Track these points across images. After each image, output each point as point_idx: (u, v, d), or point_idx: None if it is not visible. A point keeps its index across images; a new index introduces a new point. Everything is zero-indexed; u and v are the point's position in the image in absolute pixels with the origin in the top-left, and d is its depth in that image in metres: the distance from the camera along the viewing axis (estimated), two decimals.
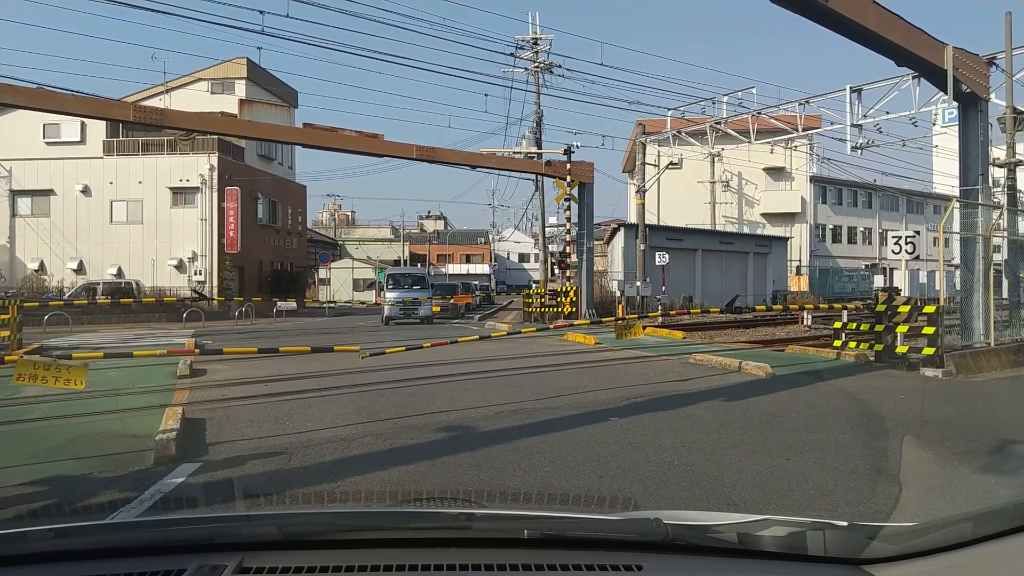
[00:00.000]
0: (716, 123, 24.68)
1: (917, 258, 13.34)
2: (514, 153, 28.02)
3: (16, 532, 1.76)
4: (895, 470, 5.20)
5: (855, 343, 12.56)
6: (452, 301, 30.16)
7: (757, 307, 17.88)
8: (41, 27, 55.36)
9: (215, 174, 31.36)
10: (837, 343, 13.00)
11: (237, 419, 7.25)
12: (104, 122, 28.45)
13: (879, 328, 12.02)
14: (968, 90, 13.01)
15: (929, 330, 11.15)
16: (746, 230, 43.01)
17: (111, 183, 31.84)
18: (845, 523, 1.66)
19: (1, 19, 60.20)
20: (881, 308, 12.04)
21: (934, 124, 24.17)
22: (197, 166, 31.30)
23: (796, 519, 1.72)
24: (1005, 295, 14.57)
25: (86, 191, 31.86)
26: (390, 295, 25.74)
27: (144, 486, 4.87)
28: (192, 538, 1.72)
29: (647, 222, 27.38)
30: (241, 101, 33.47)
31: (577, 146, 25.74)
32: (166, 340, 17.73)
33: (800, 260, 42.99)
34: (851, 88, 19.45)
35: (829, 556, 1.54)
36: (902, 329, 11.79)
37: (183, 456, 5.67)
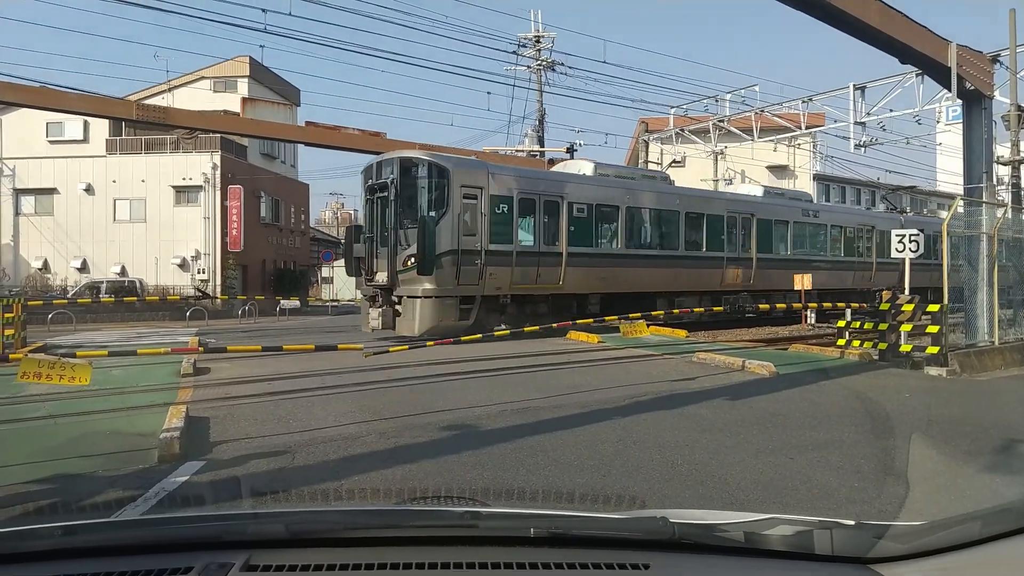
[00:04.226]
0: (719, 121, 24.67)
1: (921, 256, 13.26)
2: (517, 151, 28.00)
3: (24, 529, 1.76)
4: (900, 469, 5.19)
5: (859, 341, 12.54)
6: None
7: (760, 305, 17.86)
8: (44, 26, 55.55)
9: (218, 172, 31.38)
10: (841, 341, 12.98)
11: (241, 417, 7.26)
12: (107, 120, 28.49)
13: (883, 327, 12.00)
14: (972, 88, 12.98)
15: (933, 329, 11.13)
16: None
17: (114, 182, 31.88)
18: (852, 522, 1.66)
19: (5, 18, 60.32)
20: (885, 307, 12.01)
21: (938, 122, 24.10)
22: (200, 164, 31.33)
23: (803, 518, 1.72)
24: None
25: (89, 189, 31.90)
26: None
27: (148, 484, 4.87)
28: (199, 536, 1.73)
29: None
30: (244, 99, 33.57)
31: (580, 144, 25.90)
32: (170, 338, 17.75)
33: None
34: (855, 86, 19.43)
35: (837, 555, 1.54)
36: (906, 328, 11.77)
37: (187, 454, 5.67)
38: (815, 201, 31.67)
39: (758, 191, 22.02)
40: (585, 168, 18.24)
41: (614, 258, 17.54)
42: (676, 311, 15.01)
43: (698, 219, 19.24)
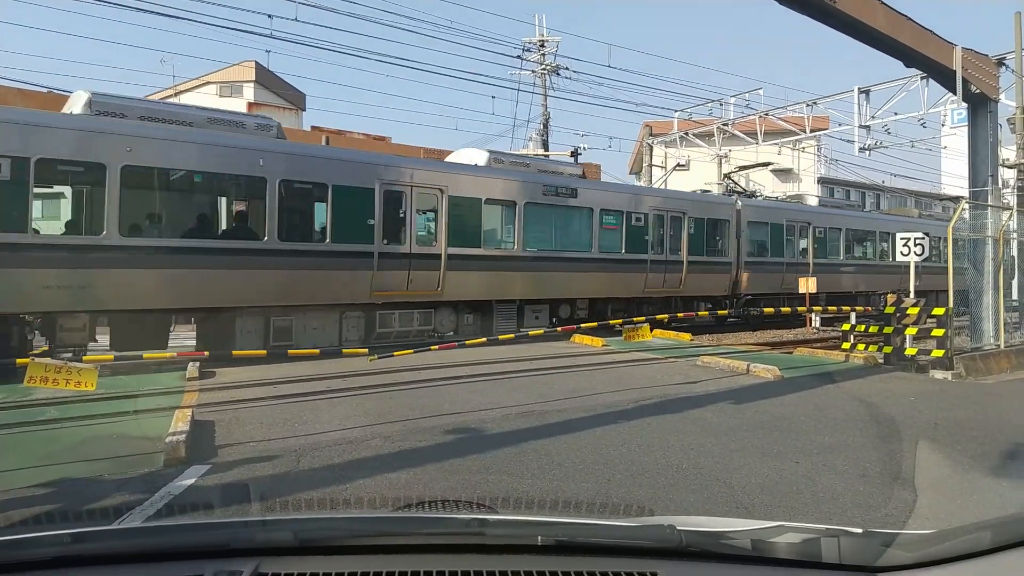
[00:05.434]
0: (723, 124, 24.69)
1: (927, 260, 13.21)
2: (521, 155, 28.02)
3: (33, 537, 1.77)
4: (907, 474, 5.18)
5: (864, 345, 12.51)
6: None
7: (765, 309, 17.79)
8: (50, 31, 55.74)
9: None
10: (846, 345, 12.95)
11: (246, 421, 7.28)
12: None
13: (888, 330, 11.97)
14: (977, 91, 12.97)
15: (938, 332, 11.10)
16: None
17: None
18: (860, 530, 1.66)
19: (10, 23, 60.75)
20: (890, 310, 11.99)
21: (943, 125, 24.08)
22: None
23: (810, 526, 1.72)
24: (1015, 296, 14.51)
25: None
26: None
27: (154, 488, 4.89)
28: (207, 543, 1.73)
29: None
30: (250, 104, 33.71)
31: (584, 148, 25.84)
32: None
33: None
34: (859, 89, 19.41)
35: (844, 563, 1.54)
36: (911, 331, 11.74)
37: (193, 458, 5.69)
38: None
39: (480, 157, 15.58)
40: (76, 107, 10.90)
41: (99, 252, 10.53)
42: (680, 314, 14.89)
43: (316, 193, 12.65)
